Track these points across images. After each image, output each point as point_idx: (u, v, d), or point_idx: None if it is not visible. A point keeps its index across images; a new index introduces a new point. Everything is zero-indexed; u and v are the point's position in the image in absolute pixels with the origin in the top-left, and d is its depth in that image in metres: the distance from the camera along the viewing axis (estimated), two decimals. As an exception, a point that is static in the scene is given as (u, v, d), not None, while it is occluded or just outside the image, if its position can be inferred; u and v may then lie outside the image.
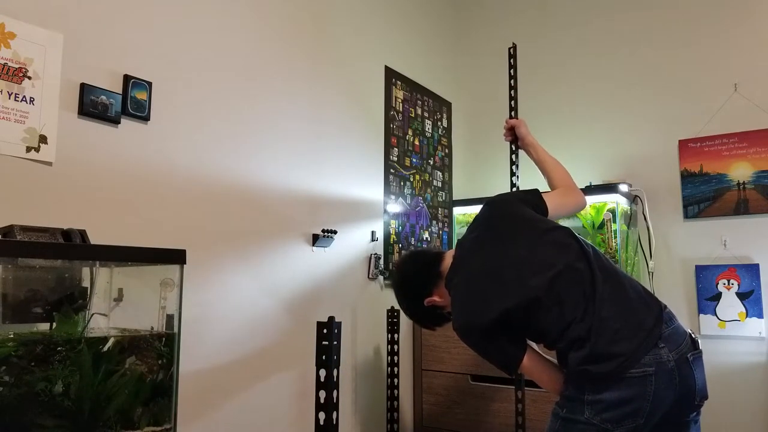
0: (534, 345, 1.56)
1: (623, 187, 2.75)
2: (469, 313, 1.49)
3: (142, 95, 1.78)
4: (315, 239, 2.36)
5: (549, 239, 1.51)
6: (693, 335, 1.43)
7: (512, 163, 2.07)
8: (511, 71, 2.14)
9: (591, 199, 2.71)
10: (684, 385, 1.35)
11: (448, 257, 1.64)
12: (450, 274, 1.59)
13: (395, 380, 2.66)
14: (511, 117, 2.09)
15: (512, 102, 2.11)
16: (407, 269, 1.74)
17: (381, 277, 2.73)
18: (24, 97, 1.52)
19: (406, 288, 1.72)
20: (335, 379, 1.86)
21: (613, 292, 1.41)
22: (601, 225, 2.69)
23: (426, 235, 3.08)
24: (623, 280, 1.45)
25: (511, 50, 2.16)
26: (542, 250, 1.48)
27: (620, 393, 1.32)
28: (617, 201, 2.68)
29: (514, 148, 2.03)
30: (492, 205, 1.68)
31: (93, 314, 1.37)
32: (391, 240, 2.82)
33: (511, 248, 1.50)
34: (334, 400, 1.85)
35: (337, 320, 1.89)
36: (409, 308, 1.74)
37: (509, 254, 1.49)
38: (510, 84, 2.13)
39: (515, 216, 1.60)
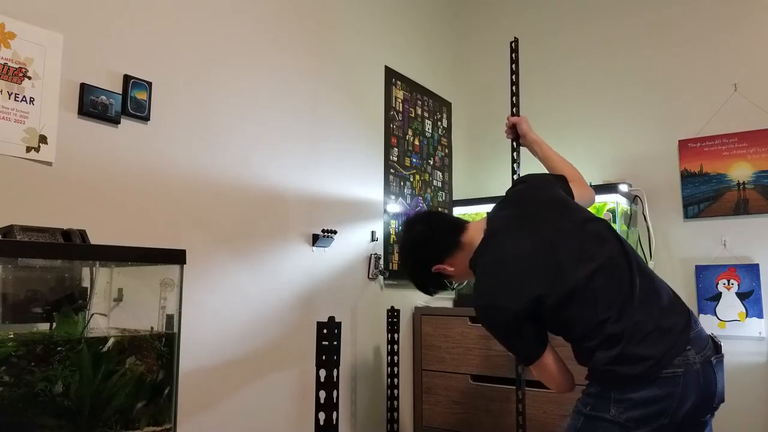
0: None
1: (623, 187, 2.75)
2: (500, 297, 1.42)
3: (142, 95, 1.78)
4: (315, 239, 2.36)
5: (590, 230, 1.46)
6: (715, 339, 1.41)
7: (513, 161, 2.07)
8: (513, 66, 2.13)
9: (591, 199, 2.71)
10: (706, 387, 1.34)
11: (475, 231, 1.56)
12: (479, 251, 1.51)
13: (395, 380, 2.66)
14: (512, 114, 2.08)
15: (513, 98, 2.10)
16: (421, 232, 1.63)
17: (381, 277, 2.73)
18: (24, 97, 1.52)
19: (417, 251, 1.63)
20: (335, 379, 1.86)
21: (649, 294, 1.38)
22: (601, 225, 2.68)
23: (426, 235, 3.08)
24: (657, 283, 1.43)
25: (513, 44, 2.15)
26: (583, 240, 1.43)
27: (648, 392, 1.30)
28: (617, 201, 2.68)
29: (515, 146, 2.03)
30: (530, 184, 1.60)
31: (93, 314, 1.37)
32: (391, 240, 2.82)
33: (551, 233, 1.44)
34: (334, 400, 1.85)
35: (337, 320, 1.89)
36: (413, 271, 1.66)
37: (550, 240, 1.43)
38: (511, 79, 2.12)
39: (555, 199, 1.53)
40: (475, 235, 1.55)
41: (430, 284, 1.68)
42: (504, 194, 1.65)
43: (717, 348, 1.39)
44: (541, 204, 1.54)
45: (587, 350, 1.39)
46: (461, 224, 1.61)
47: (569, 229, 1.46)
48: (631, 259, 1.41)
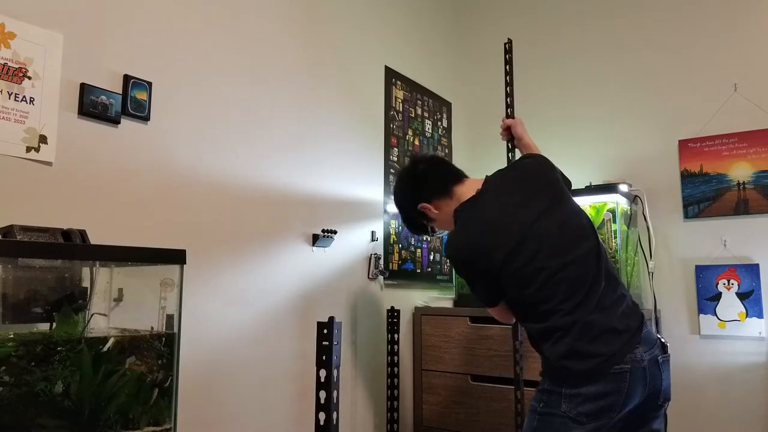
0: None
1: (623, 187, 2.75)
2: (471, 253, 1.51)
3: (142, 95, 1.78)
4: (315, 239, 2.36)
5: (576, 223, 1.51)
6: (662, 340, 1.48)
7: (509, 161, 2.07)
8: (507, 67, 2.14)
9: (591, 199, 2.71)
10: (652, 384, 1.40)
11: (470, 185, 1.64)
12: (466, 204, 1.58)
13: (395, 380, 2.66)
14: (507, 115, 2.08)
15: (508, 99, 2.11)
16: (420, 168, 1.72)
17: (381, 277, 2.73)
18: (24, 97, 1.52)
19: (410, 184, 1.72)
20: (335, 379, 1.86)
21: (609, 298, 1.43)
22: (601, 225, 2.69)
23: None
24: (621, 290, 1.48)
25: (507, 45, 2.15)
26: (567, 230, 1.48)
27: (597, 388, 1.35)
28: (617, 201, 2.68)
29: (511, 147, 2.03)
30: (538, 161, 1.66)
31: (93, 314, 1.37)
32: (391, 240, 2.82)
33: (540, 213, 1.49)
34: (334, 400, 1.85)
35: (337, 320, 1.89)
36: (402, 202, 1.75)
37: (536, 218, 1.48)
38: (506, 80, 2.13)
39: (555, 183, 1.59)
40: (468, 189, 1.63)
41: (412, 220, 1.76)
42: (510, 162, 1.70)
43: (664, 348, 1.46)
44: (541, 182, 1.59)
45: (533, 334, 1.47)
46: (460, 176, 1.69)
47: (558, 215, 1.51)
48: (601, 263, 1.46)
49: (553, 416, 1.38)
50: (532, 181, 1.58)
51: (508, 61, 2.14)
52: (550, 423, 1.39)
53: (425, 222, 1.72)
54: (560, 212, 1.51)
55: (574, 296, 1.40)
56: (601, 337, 1.37)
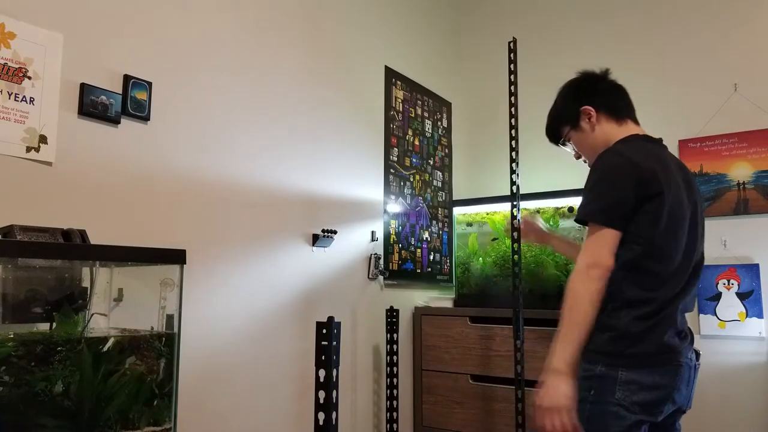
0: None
1: (623, 187, 2.75)
2: (643, 163, 1.38)
3: (142, 95, 1.78)
4: (315, 239, 2.36)
5: (701, 244, 1.55)
6: (697, 350, 1.49)
7: (512, 160, 2.07)
8: (511, 66, 2.14)
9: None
10: (688, 387, 1.40)
11: (640, 131, 1.54)
12: (646, 138, 1.51)
13: (395, 380, 2.66)
14: (511, 114, 2.08)
15: (512, 98, 2.11)
16: (610, 81, 1.60)
17: (381, 277, 2.73)
18: (24, 97, 1.52)
19: (590, 83, 1.59)
20: (335, 380, 1.86)
21: (685, 303, 1.45)
22: (601, 225, 2.68)
23: (426, 235, 3.08)
24: (688, 308, 1.49)
25: (511, 44, 2.16)
26: (697, 237, 1.50)
27: (654, 378, 1.33)
28: (617, 201, 2.68)
29: (513, 146, 2.04)
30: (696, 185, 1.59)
31: (93, 314, 1.37)
32: (391, 240, 2.82)
33: (693, 217, 1.49)
34: (334, 401, 1.85)
35: (336, 320, 1.89)
36: (565, 93, 1.62)
37: (690, 211, 1.47)
38: (510, 79, 2.13)
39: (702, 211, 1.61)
40: (638, 131, 1.53)
41: (559, 117, 1.61)
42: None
43: (697, 356, 1.47)
44: (700, 203, 1.57)
45: (626, 296, 1.36)
46: (635, 118, 1.59)
47: (699, 222, 1.53)
48: (696, 281, 1.49)
49: (606, 404, 1.31)
50: (697, 197, 1.54)
51: (513, 60, 2.14)
52: (604, 411, 1.32)
53: (568, 127, 1.58)
54: (700, 222, 1.53)
55: (674, 286, 1.40)
56: (672, 332, 1.37)
